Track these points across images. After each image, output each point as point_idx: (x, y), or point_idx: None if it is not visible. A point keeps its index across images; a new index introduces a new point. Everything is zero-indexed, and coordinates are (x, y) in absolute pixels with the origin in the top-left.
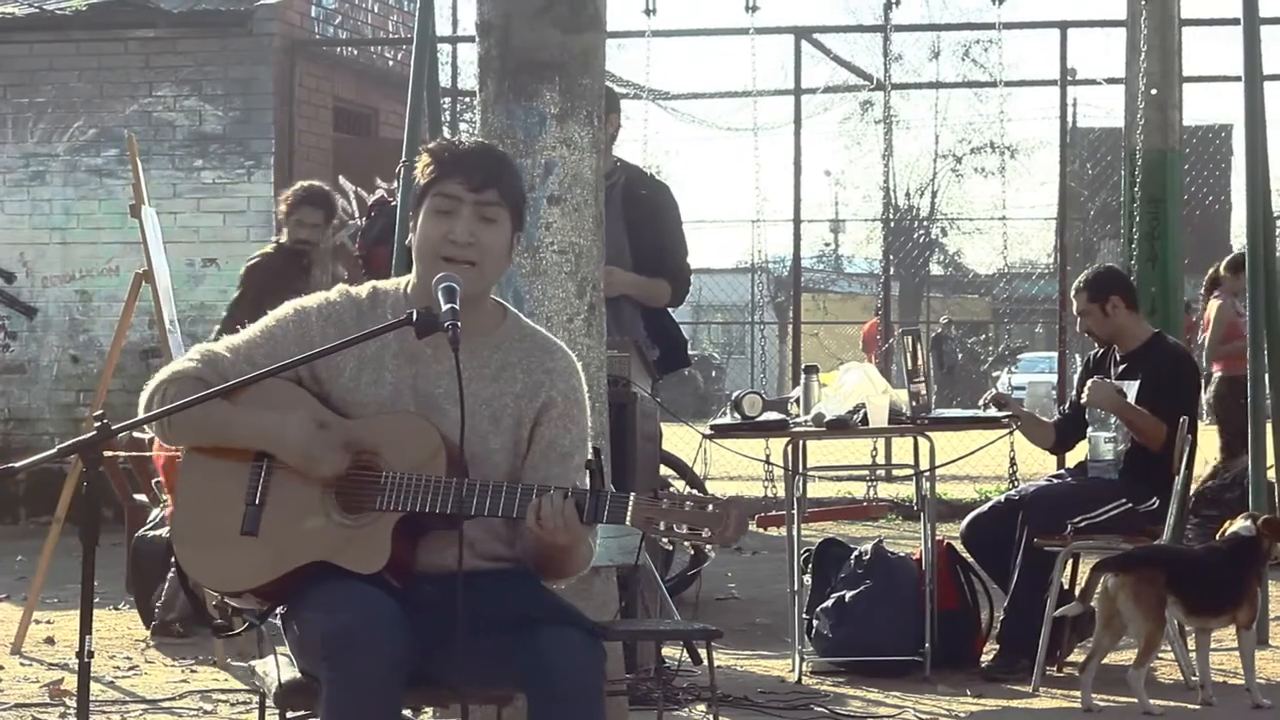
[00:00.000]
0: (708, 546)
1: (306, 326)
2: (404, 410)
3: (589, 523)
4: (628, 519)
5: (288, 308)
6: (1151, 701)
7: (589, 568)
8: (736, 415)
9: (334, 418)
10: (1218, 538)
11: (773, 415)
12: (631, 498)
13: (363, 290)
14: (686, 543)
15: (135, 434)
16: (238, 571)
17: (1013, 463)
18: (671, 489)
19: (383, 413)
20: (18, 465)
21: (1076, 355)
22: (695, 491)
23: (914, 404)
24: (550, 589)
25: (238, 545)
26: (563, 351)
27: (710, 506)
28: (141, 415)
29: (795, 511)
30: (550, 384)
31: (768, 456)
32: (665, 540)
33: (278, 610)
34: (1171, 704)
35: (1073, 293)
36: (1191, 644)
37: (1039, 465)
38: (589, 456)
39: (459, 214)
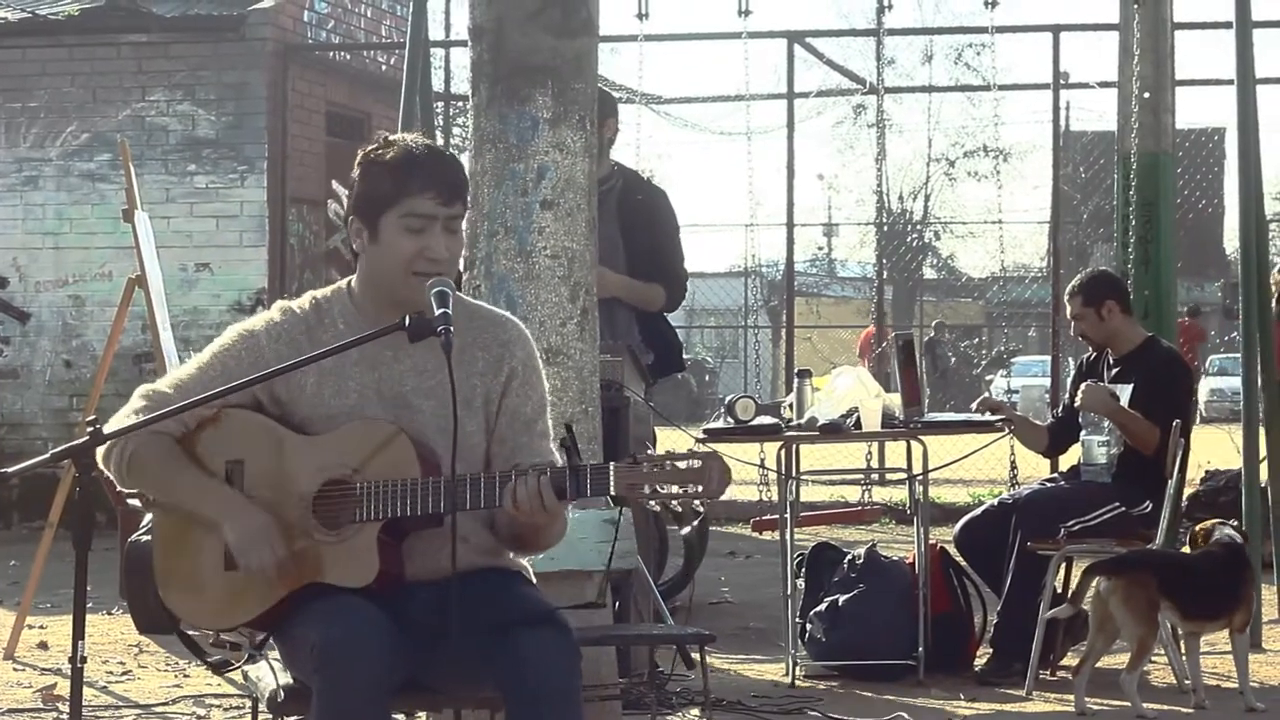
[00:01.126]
0: (696, 501)
1: (257, 351)
2: (365, 416)
3: (573, 498)
4: (611, 488)
5: (233, 334)
6: (1145, 705)
7: (563, 538)
8: (730, 419)
9: (301, 442)
10: (1201, 540)
11: (766, 419)
12: (612, 467)
13: (304, 303)
14: (675, 502)
15: (99, 464)
16: (229, 608)
17: (1013, 465)
18: (650, 452)
19: (346, 421)
20: (11, 470)
21: (1070, 359)
22: (673, 450)
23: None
24: (530, 589)
25: (225, 581)
26: (512, 322)
27: (690, 462)
28: (100, 459)
29: (789, 516)
30: (509, 355)
31: (761, 460)
32: (653, 503)
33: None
34: (1165, 708)
35: (1067, 297)
36: (1183, 648)
37: (1033, 469)
38: (560, 429)
39: (432, 231)
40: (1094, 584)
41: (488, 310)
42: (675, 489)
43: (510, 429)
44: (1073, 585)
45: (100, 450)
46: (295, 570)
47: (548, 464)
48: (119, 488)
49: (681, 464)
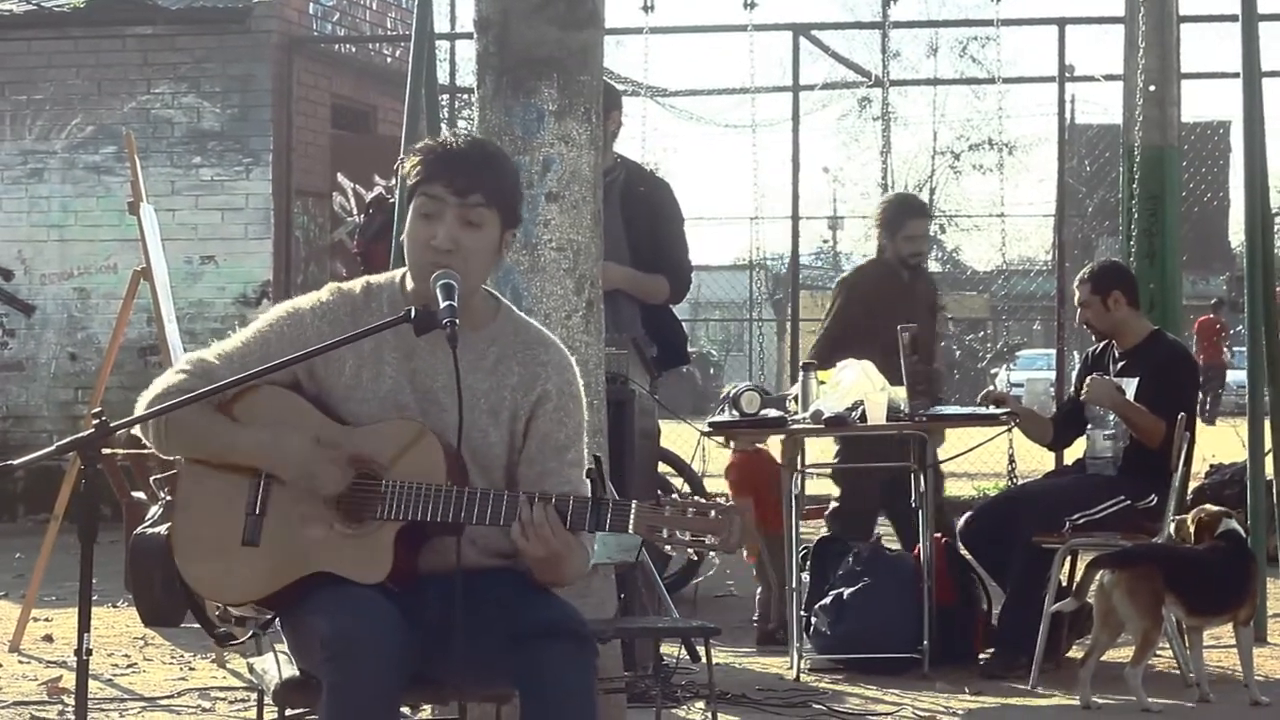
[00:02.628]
0: (711, 553)
1: (301, 328)
2: (404, 415)
3: (592, 530)
4: (630, 527)
5: (280, 310)
6: (1150, 699)
7: (588, 570)
8: (735, 412)
9: (334, 429)
10: (1199, 528)
11: (771, 412)
12: (634, 505)
13: (356, 286)
14: (689, 550)
15: (133, 431)
16: (240, 583)
17: (1011, 460)
18: (674, 492)
19: (382, 416)
20: (16, 462)
21: (1075, 352)
22: (698, 497)
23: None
24: (543, 590)
25: (239, 556)
26: (557, 346)
27: (713, 513)
28: (138, 427)
29: (793, 508)
30: (545, 377)
31: None
32: (668, 547)
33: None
34: (1169, 702)
35: (1076, 284)
36: (1187, 641)
37: (1037, 462)
38: (588, 459)
39: (442, 218)
40: (1098, 577)
41: (536, 330)
42: (692, 537)
43: (540, 453)
44: (1077, 578)
45: (141, 409)
46: (309, 557)
47: (572, 493)
48: (155, 451)
49: (704, 513)
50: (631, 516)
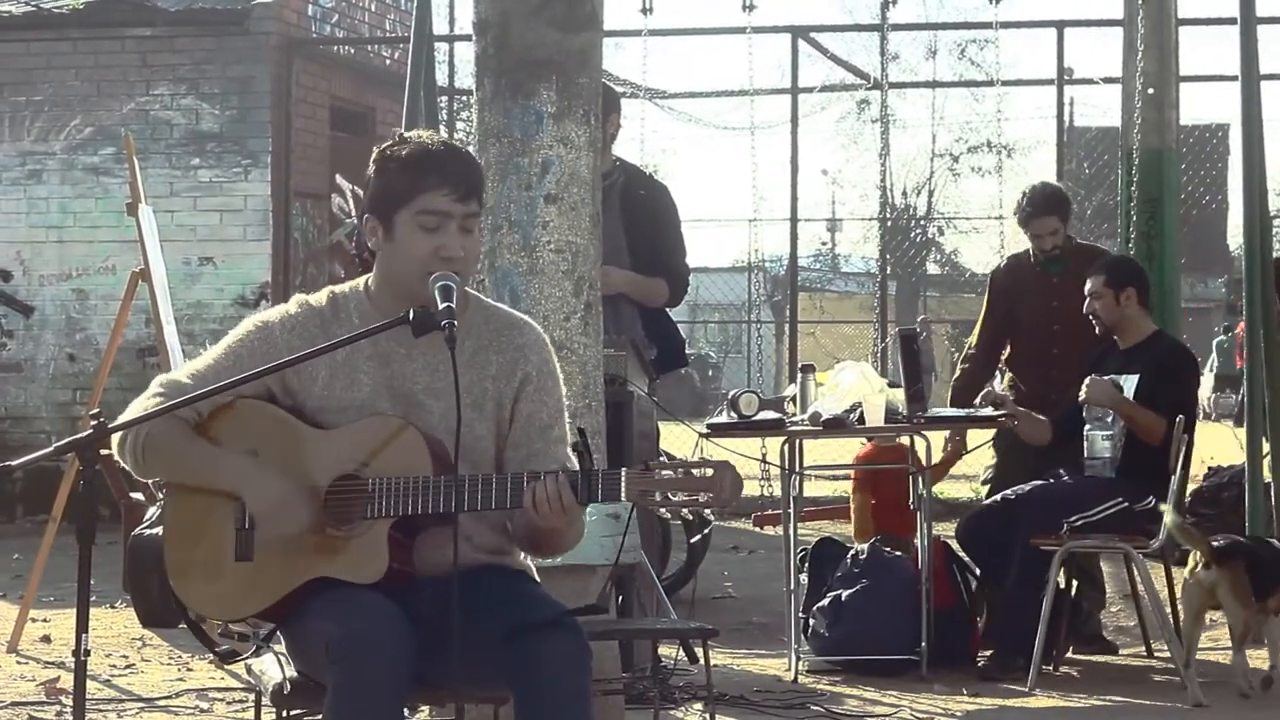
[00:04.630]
0: (707, 511)
1: (271, 342)
2: (380, 414)
3: (584, 503)
4: (622, 494)
5: (249, 325)
6: (1142, 701)
7: (579, 543)
8: (733, 414)
9: (314, 435)
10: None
11: (769, 414)
12: (624, 473)
13: (321, 298)
14: (685, 510)
15: (115, 457)
16: (238, 598)
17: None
18: (662, 459)
19: (359, 418)
20: (15, 463)
21: None
22: (684, 458)
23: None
24: (538, 588)
25: (234, 572)
26: (530, 326)
27: (703, 471)
28: (115, 448)
29: (791, 510)
30: (524, 359)
31: (764, 455)
32: (663, 510)
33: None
34: (1165, 704)
35: (1090, 272)
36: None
37: None
38: (573, 432)
39: (447, 228)
40: (1192, 575)
41: (505, 313)
42: (686, 496)
43: (525, 434)
44: (1074, 581)
45: (115, 439)
46: (304, 563)
47: (562, 469)
48: (136, 475)
49: (694, 472)
50: (623, 484)
